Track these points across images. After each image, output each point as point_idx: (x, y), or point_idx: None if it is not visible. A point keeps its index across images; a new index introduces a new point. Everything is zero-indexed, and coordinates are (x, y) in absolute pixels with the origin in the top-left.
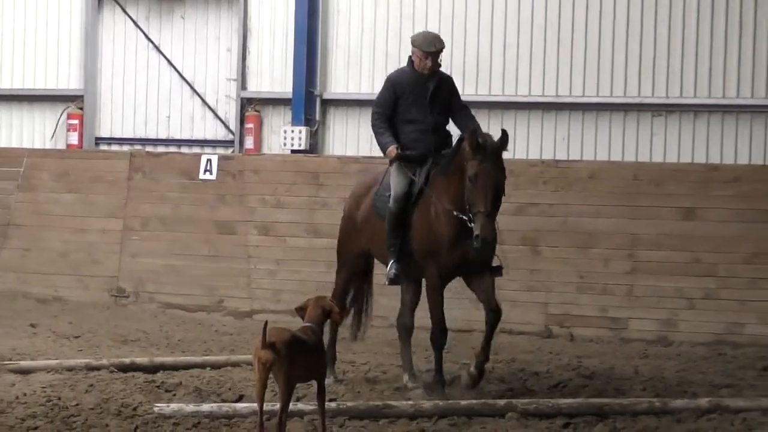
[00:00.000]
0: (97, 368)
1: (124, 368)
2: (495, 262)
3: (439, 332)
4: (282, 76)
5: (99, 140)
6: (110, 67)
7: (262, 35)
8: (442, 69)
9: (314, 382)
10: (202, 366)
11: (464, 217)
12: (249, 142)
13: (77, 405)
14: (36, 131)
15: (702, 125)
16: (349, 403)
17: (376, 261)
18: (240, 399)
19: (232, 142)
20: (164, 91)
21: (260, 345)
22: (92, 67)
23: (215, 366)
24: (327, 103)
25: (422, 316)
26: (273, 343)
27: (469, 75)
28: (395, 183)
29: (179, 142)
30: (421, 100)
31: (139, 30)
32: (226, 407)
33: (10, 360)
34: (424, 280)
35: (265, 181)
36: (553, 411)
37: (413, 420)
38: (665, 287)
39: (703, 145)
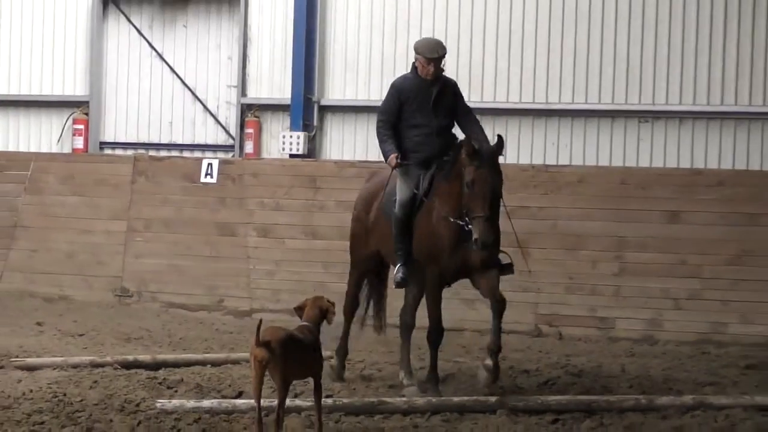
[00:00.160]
0: (101, 365)
1: (128, 365)
2: (505, 260)
3: (436, 332)
4: (281, 83)
5: (104, 145)
6: (115, 74)
7: (262, 44)
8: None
9: (312, 380)
10: (202, 363)
11: (461, 222)
12: (249, 147)
13: (82, 401)
14: (43, 136)
15: (687, 131)
16: (345, 400)
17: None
18: (239, 395)
19: (232, 146)
20: (167, 97)
21: (255, 343)
22: (97, 74)
23: (215, 363)
24: (324, 110)
25: (419, 315)
26: (268, 342)
27: (462, 82)
28: (400, 189)
29: (181, 147)
30: (424, 105)
31: (142, 38)
32: (226, 403)
33: (17, 357)
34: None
35: (264, 184)
36: (543, 408)
37: (407, 416)
38: (651, 288)
39: (688, 151)
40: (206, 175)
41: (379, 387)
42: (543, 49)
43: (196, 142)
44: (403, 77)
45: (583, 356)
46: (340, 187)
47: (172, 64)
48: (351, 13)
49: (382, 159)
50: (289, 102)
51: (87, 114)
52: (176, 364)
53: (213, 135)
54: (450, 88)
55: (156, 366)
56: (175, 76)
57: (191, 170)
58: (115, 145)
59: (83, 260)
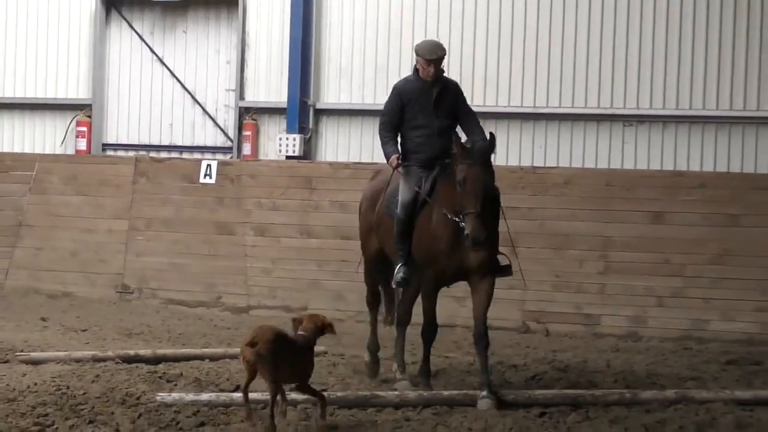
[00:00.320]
0: (103, 360)
1: (129, 360)
2: (504, 262)
3: (430, 329)
4: (278, 87)
5: (106, 146)
6: (117, 78)
7: (260, 49)
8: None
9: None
10: (201, 358)
11: (456, 218)
12: (246, 149)
13: (84, 394)
14: (47, 137)
15: (670, 135)
16: (339, 393)
17: None
18: (237, 389)
19: (230, 148)
20: (167, 100)
21: (245, 343)
22: (100, 78)
23: (214, 358)
24: (320, 113)
25: (414, 312)
26: (256, 342)
27: None
28: (402, 190)
29: (181, 149)
30: (426, 106)
31: (144, 43)
32: (224, 396)
33: (22, 351)
34: None
35: (262, 185)
36: (530, 401)
37: (398, 409)
38: (635, 286)
39: (671, 153)
40: (205, 175)
41: (372, 381)
42: (531, 54)
43: (195, 144)
44: (405, 79)
45: (570, 352)
46: (334, 187)
47: (172, 69)
48: (345, 20)
49: (376, 161)
50: (285, 105)
51: (90, 116)
52: (176, 359)
53: (212, 137)
54: (451, 90)
55: (156, 360)
56: (175, 80)
57: (191, 171)
58: (117, 146)
59: (86, 258)
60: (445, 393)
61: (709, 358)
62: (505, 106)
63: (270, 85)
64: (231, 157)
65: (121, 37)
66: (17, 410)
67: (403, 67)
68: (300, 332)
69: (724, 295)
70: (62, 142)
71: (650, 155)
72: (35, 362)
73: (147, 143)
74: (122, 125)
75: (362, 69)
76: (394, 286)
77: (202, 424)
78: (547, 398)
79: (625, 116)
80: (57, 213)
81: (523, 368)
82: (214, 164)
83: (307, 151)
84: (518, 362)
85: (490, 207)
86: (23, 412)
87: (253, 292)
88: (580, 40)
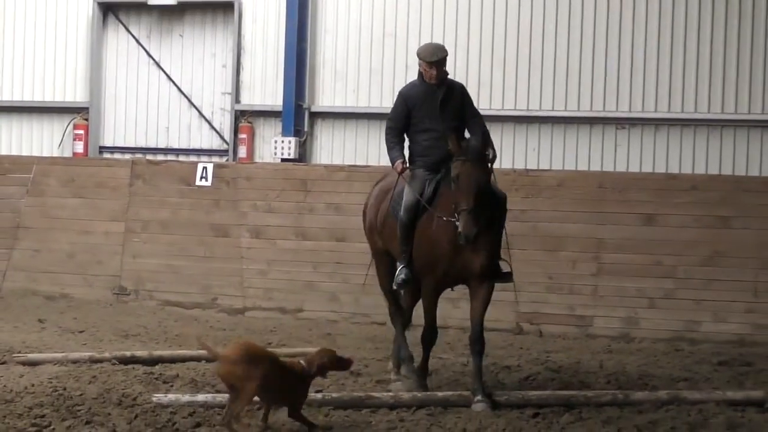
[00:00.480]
0: (100, 361)
1: (125, 361)
2: (505, 268)
3: (430, 332)
4: (273, 90)
5: (103, 149)
6: (114, 82)
7: (255, 52)
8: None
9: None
10: (197, 359)
11: (452, 219)
12: (242, 152)
13: (81, 395)
14: (44, 140)
15: (662, 137)
16: (334, 395)
17: None
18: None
19: (226, 151)
20: (163, 103)
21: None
22: (97, 82)
23: (209, 359)
24: (315, 116)
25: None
26: (228, 357)
27: None
28: (407, 193)
29: (177, 151)
30: (431, 110)
31: (140, 47)
32: (220, 397)
33: (20, 353)
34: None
35: (257, 187)
36: (523, 402)
37: (393, 410)
38: (628, 287)
39: (663, 156)
40: (201, 178)
41: (367, 382)
42: (524, 58)
43: (191, 147)
44: (410, 84)
45: (563, 353)
46: (329, 190)
47: (168, 72)
48: (341, 24)
49: (371, 163)
50: (280, 108)
51: (87, 119)
52: (172, 360)
53: (208, 140)
54: (457, 92)
55: (152, 361)
56: (171, 84)
57: (187, 174)
58: (113, 149)
59: (83, 260)
60: (440, 394)
61: (701, 359)
62: (498, 109)
63: (265, 88)
64: (227, 160)
65: (118, 41)
66: (14, 411)
67: (398, 70)
68: (300, 361)
69: (716, 296)
70: (59, 145)
71: (642, 158)
72: (32, 363)
73: (143, 146)
74: (119, 128)
75: (357, 72)
76: (395, 287)
77: (199, 425)
78: (541, 399)
79: (617, 119)
80: (54, 215)
81: (516, 369)
82: (210, 167)
83: (303, 154)
84: (512, 363)
85: (492, 210)
86: (20, 413)
87: (249, 293)
88: (573, 43)
